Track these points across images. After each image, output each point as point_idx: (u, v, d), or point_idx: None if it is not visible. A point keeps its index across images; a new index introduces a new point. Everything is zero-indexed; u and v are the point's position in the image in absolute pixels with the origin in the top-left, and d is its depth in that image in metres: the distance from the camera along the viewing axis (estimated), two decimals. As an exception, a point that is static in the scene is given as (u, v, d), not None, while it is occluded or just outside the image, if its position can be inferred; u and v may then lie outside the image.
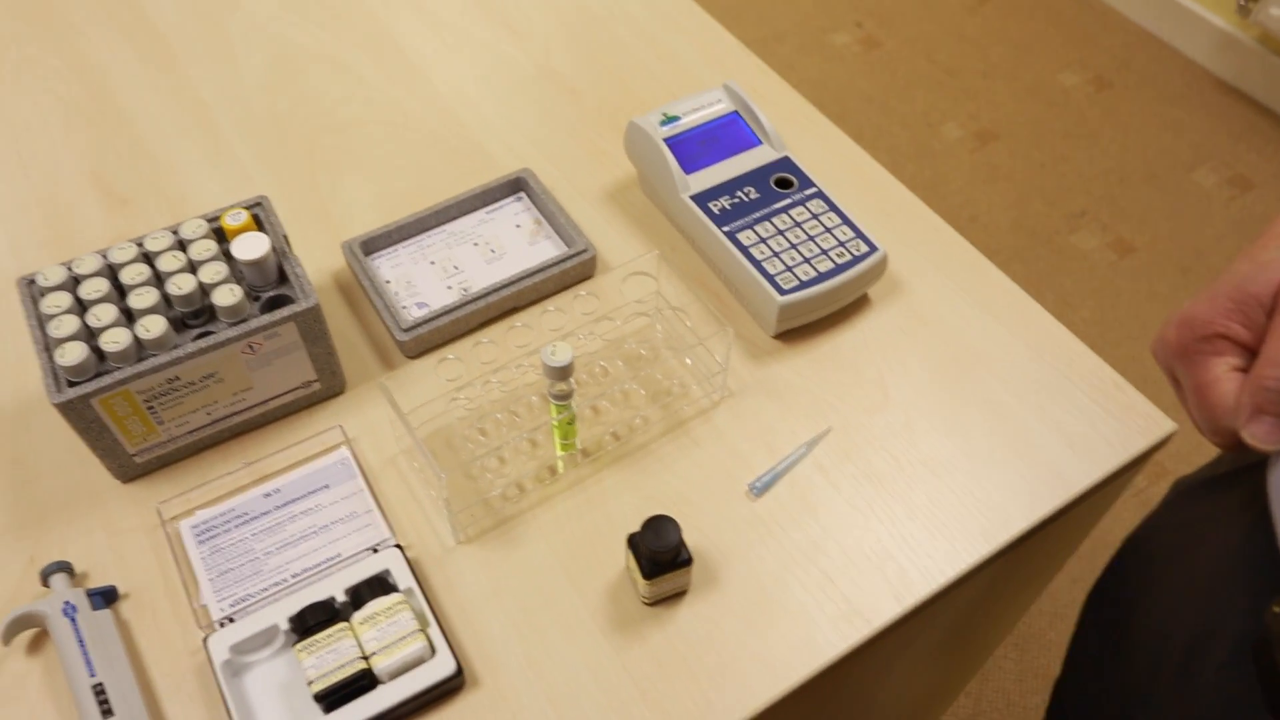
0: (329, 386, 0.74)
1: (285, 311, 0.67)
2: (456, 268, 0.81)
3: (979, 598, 0.79)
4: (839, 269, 0.76)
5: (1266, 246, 0.52)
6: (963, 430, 0.73)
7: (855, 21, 2.44)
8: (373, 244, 0.81)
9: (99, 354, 0.65)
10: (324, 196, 0.88)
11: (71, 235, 0.86)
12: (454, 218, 0.84)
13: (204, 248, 0.69)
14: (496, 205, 0.85)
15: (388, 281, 0.80)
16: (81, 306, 0.67)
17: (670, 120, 0.83)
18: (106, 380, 0.63)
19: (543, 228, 0.84)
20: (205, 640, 0.62)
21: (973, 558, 0.67)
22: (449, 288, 0.79)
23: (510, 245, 0.82)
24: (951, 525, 0.69)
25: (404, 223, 0.82)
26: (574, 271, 0.80)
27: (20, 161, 0.91)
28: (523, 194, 0.86)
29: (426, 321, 0.75)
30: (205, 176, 0.90)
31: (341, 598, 0.64)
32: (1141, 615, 0.71)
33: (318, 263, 0.83)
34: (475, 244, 0.82)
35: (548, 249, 0.82)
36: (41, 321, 0.66)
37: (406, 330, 0.75)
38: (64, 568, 0.65)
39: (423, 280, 0.80)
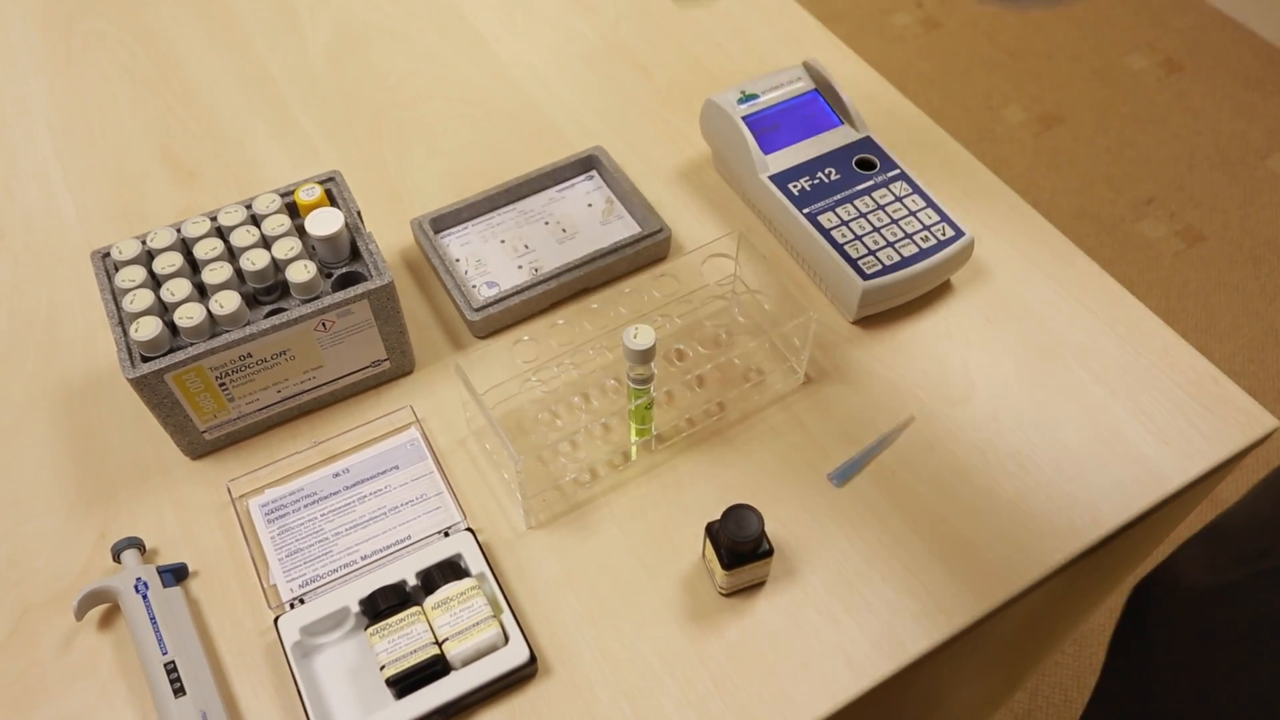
0: (398, 366, 0.73)
1: (359, 289, 0.66)
2: (527, 247, 0.79)
3: (1057, 595, 0.76)
4: (924, 254, 0.74)
5: None
6: (1051, 423, 0.70)
7: (915, 2, 2.39)
8: (442, 222, 0.80)
9: (172, 329, 0.64)
10: (391, 173, 0.87)
11: (140, 208, 0.85)
12: (524, 196, 0.82)
13: (277, 223, 0.68)
14: (568, 184, 0.83)
15: (457, 260, 0.78)
16: (155, 281, 0.66)
17: (748, 98, 0.80)
18: (180, 356, 0.63)
19: (615, 207, 0.82)
20: (276, 621, 0.61)
21: (1060, 555, 0.65)
22: (519, 267, 0.78)
23: (582, 225, 0.80)
24: (1039, 521, 0.66)
25: (473, 200, 0.81)
26: (647, 253, 0.78)
27: (89, 134, 0.91)
28: (594, 172, 0.84)
29: (497, 301, 0.74)
30: (272, 151, 0.89)
31: (412, 581, 0.62)
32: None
33: (385, 240, 0.82)
34: (546, 223, 0.81)
35: (620, 229, 0.80)
36: (116, 295, 0.65)
37: (477, 310, 0.74)
38: (135, 544, 0.64)
39: (493, 259, 0.78)
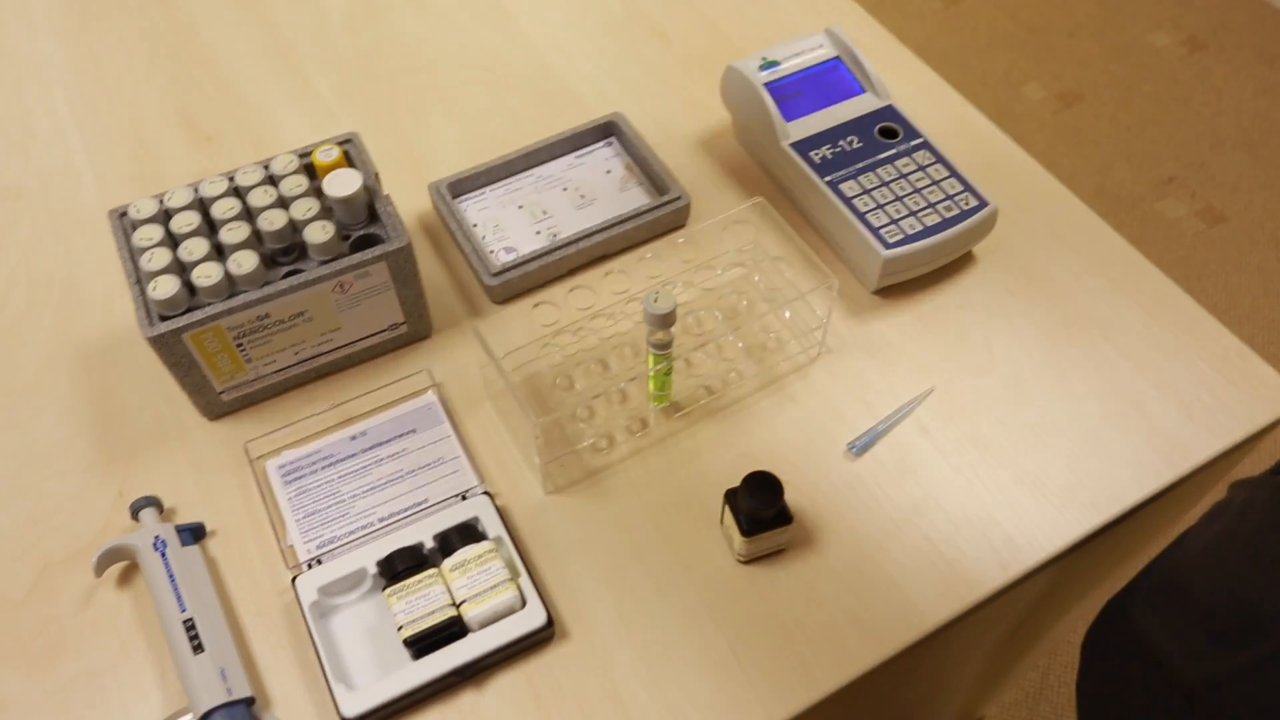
0: (415, 330, 0.72)
1: (378, 250, 0.65)
2: (545, 213, 0.78)
3: (1078, 569, 0.76)
4: (946, 223, 0.73)
5: None
6: (1074, 396, 0.70)
7: (936, -24, 2.36)
8: (460, 186, 0.79)
9: (190, 289, 0.64)
10: (409, 137, 0.86)
11: (157, 170, 0.85)
12: (542, 162, 0.82)
13: (295, 183, 0.68)
14: (586, 150, 0.83)
15: (474, 225, 0.78)
16: (173, 240, 0.66)
17: (770, 65, 0.79)
18: (198, 315, 0.62)
19: (634, 174, 0.81)
20: (294, 581, 0.61)
21: (1082, 528, 0.64)
22: (537, 233, 0.77)
23: (600, 191, 0.80)
24: (1061, 493, 0.65)
25: (491, 165, 0.80)
26: (666, 220, 0.77)
27: (106, 97, 0.91)
28: (613, 139, 0.83)
29: (515, 266, 0.73)
30: (289, 114, 0.89)
31: (429, 544, 0.62)
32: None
33: (402, 205, 0.81)
34: (564, 189, 0.80)
35: (639, 196, 0.79)
36: (134, 254, 0.65)
37: (495, 275, 0.73)
38: (153, 503, 0.64)
39: (511, 224, 0.78)
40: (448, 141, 0.86)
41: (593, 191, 0.80)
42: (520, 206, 0.79)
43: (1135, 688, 0.70)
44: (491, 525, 0.63)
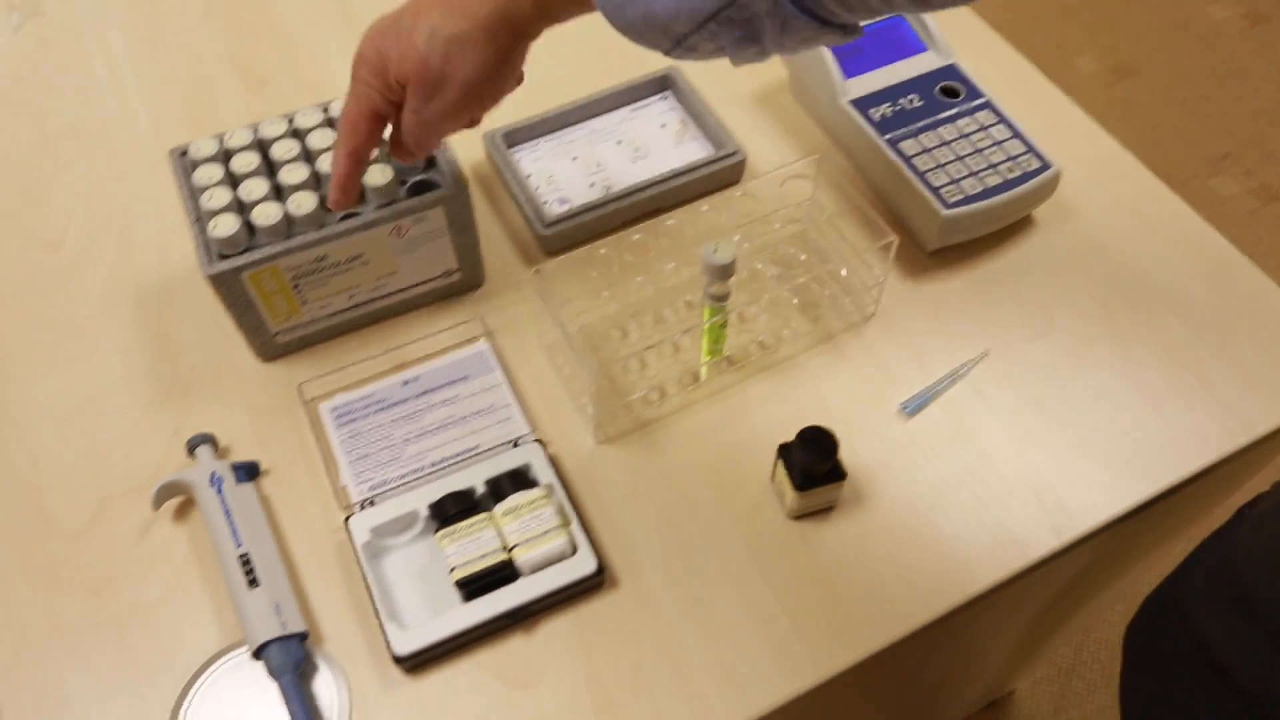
0: (468, 278, 0.72)
1: (436, 194, 0.65)
2: (599, 165, 0.78)
3: (1123, 542, 0.75)
4: (1008, 184, 0.71)
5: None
6: (1133, 363, 0.69)
7: (989, -57, 2.31)
8: (514, 136, 0.79)
9: (249, 229, 0.64)
10: (462, 87, 0.86)
11: (213, 114, 0.85)
12: (597, 114, 0.81)
13: (354, 127, 0.68)
14: (641, 103, 0.82)
15: (528, 176, 0.77)
16: (233, 180, 0.66)
17: (831, 19, 0.78)
18: (257, 255, 0.63)
19: (689, 128, 0.80)
20: (346, 521, 0.61)
21: (1137, 495, 0.63)
22: (591, 185, 0.77)
23: (655, 145, 0.79)
24: (1116, 461, 0.65)
25: (546, 116, 0.80)
26: (721, 176, 0.77)
27: (163, 41, 0.91)
28: (669, 93, 0.82)
29: (569, 218, 0.73)
30: (342, 61, 0.88)
31: (480, 489, 0.63)
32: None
33: (457, 154, 0.81)
34: (619, 142, 0.79)
35: (694, 150, 0.79)
36: (194, 193, 0.65)
37: (548, 225, 0.73)
38: (209, 440, 0.65)
39: (564, 176, 0.77)
40: (501, 92, 0.85)
41: (647, 145, 0.79)
42: (574, 158, 0.79)
43: (1189, 689, 0.65)
44: (543, 472, 0.63)
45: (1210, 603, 0.64)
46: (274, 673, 0.56)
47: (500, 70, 0.56)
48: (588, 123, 0.81)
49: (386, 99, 0.57)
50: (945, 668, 0.88)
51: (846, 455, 0.65)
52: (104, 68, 0.89)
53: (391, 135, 0.59)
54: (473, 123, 0.62)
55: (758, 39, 0.47)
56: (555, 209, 0.75)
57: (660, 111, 0.81)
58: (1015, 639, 0.98)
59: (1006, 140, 0.73)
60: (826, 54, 0.76)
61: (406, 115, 0.57)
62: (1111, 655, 1.39)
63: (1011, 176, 0.72)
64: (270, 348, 0.69)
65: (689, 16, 0.46)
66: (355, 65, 0.56)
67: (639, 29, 0.49)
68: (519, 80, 0.60)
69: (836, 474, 0.59)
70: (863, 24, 0.53)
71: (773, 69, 0.86)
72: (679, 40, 0.48)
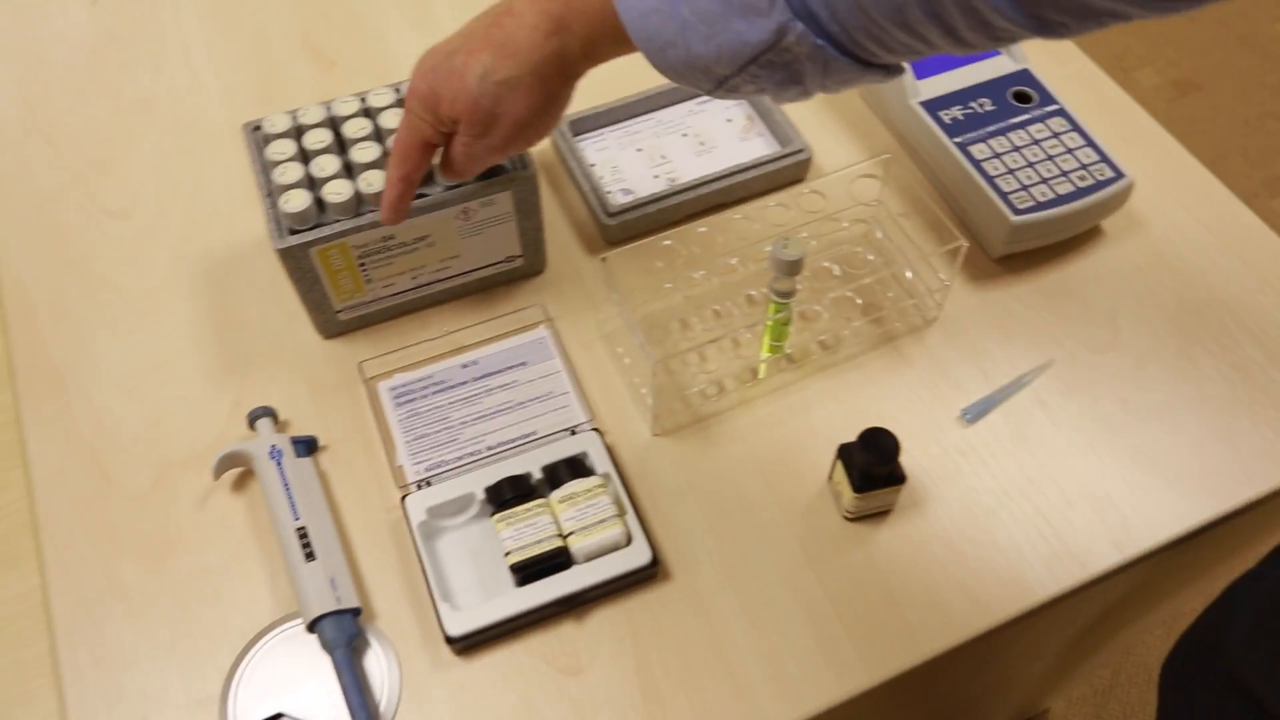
0: (531, 264, 0.72)
1: (505, 178, 0.65)
2: (664, 157, 0.78)
3: (1178, 564, 0.74)
4: (1079, 193, 0.70)
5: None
6: (1201, 379, 0.67)
7: (1052, -48, 2.28)
8: (580, 125, 0.79)
9: (319, 205, 0.64)
10: (529, 74, 0.86)
11: (283, 92, 0.86)
12: (663, 106, 0.81)
13: (425, 108, 0.68)
14: (708, 97, 0.81)
15: (593, 165, 0.77)
16: (304, 156, 0.66)
17: (905, 19, 0.77)
18: (327, 231, 0.63)
19: (755, 124, 0.80)
20: (403, 500, 0.62)
21: (1201, 515, 0.62)
22: (655, 177, 0.77)
23: (721, 139, 0.79)
24: (1181, 479, 0.63)
25: (612, 106, 0.79)
26: (786, 172, 0.76)
27: (235, 18, 0.92)
28: (736, 87, 0.82)
29: (633, 208, 0.73)
30: (412, 44, 0.89)
31: (536, 475, 0.63)
32: None
33: (521, 141, 0.81)
34: (684, 135, 0.79)
35: (759, 146, 0.78)
36: (266, 168, 0.66)
37: (612, 215, 0.73)
38: (269, 413, 0.66)
39: (629, 167, 0.77)
40: (567, 81, 0.85)
41: (713, 139, 0.79)
42: (639, 150, 0.78)
43: None
44: (600, 461, 0.63)
45: (1258, 643, 0.62)
46: (327, 646, 0.56)
47: (549, 110, 0.58)
48: (654, 114, 0.81)
49: (438, 130, 0.58)
50: (988, 680, 0.87)
51: (904, 459, 0.64)
52: (177, 43, 0.90)
53: (443, 158, 0.61)
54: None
55: (799, 81, 0.48)
56: (619, 199, 0.75)
57: (726, 106, 0.81)
58: (1056, 655, 0.97)
59: (1079, 148, 0.72)
60: (898, 54, 0.75)
61: (457, 147, 0.59)
62: (1149, 680, 1.37)
63: (1083, 185, 0.71)
64: (332, 325, 0.70)
65: (731, 60, 0.47)
66: (408, 97, 0.58)
67: (681, 71, 0.50)
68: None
69: (896, 477, 0.59)
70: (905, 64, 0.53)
71: (841, 68, 0.85)
72: (720, 82, 0.49)
